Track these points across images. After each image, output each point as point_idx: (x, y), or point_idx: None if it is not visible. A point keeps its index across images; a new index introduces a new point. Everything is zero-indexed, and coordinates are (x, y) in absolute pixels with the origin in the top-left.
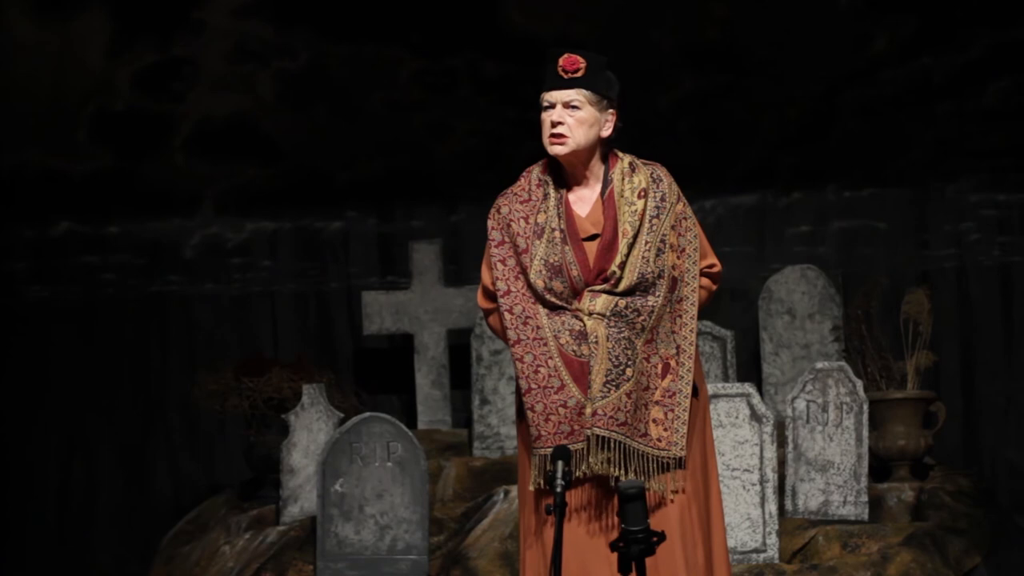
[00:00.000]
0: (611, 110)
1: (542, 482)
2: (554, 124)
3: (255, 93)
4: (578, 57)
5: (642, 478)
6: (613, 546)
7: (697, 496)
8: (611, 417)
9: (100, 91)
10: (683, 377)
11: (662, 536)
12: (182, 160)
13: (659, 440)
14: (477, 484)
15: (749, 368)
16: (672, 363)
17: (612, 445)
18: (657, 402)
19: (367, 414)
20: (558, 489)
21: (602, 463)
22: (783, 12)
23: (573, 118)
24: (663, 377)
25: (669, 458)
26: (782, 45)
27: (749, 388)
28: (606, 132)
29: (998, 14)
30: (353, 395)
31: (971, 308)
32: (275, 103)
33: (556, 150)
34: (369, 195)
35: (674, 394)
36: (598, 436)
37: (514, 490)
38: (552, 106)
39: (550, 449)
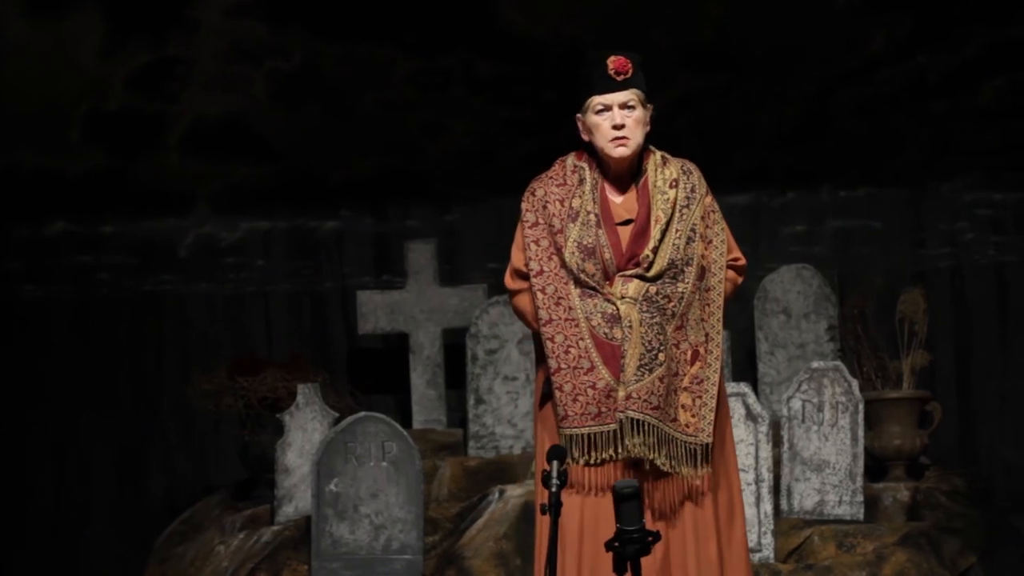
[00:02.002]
0: (650, 105)
1: (576, 456)
2: (617, 127)
3: (249, 93)
4: (627, 59)
5: (673, 463)
6: (608, 546)
7: (713, 489)
8: (645, 400)
9: (93, 91)
10: (711, 365)
11: (657, 536)
12: (176, 160)
13: (687, 426)
14: (472, 484)
15: (745, 367)
16: (701, 350)
17: (647, 428)
18: (685, 388)
19: (362, 414)
20: (553, 489)
21: (637, 446)
22: (779, 12)
23: (631, 119)
24: (692, 364)
25: (696, 444)
26: (778, 45)
27: (744, 387)
28: (648, 128)
29: (993, 13)
30: (348, 395)
31: (966, 308)
32: (269, 103)
33: (621, 152)
34: (363, 194)
35: (702, 381)
36: (633, 419)
37: (509, 489)
38: (607, 108)
39: (577, 430)
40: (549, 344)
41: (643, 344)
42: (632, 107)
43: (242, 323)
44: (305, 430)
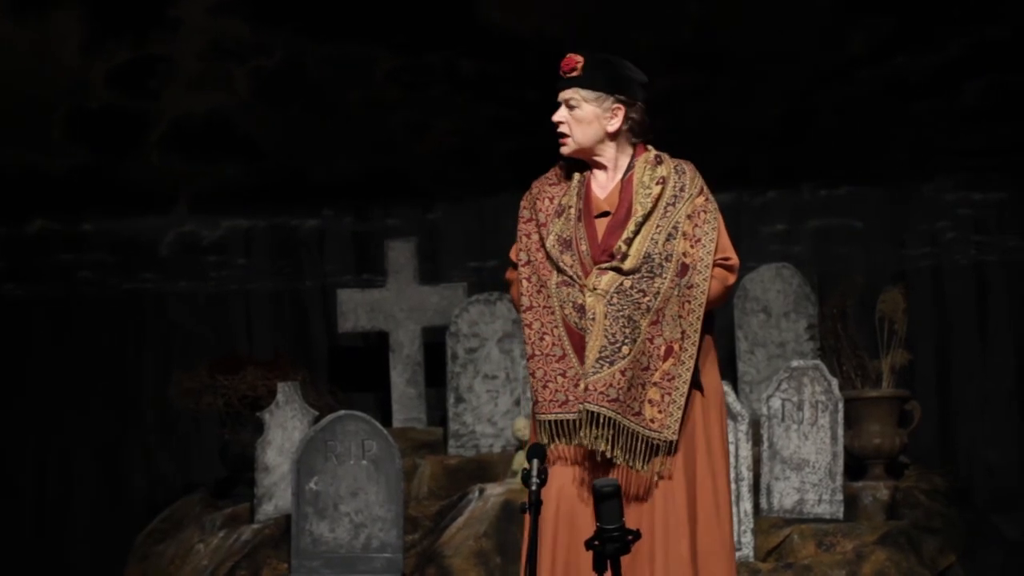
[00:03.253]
0: (617, 105)
1: (546, 441)
2: (557, 124)
3: (231, 91)
4: (575, 56)
5: (629, 456)
6: (588, 544)
7: (689, 487)
8: (602, 393)
9: (75, 89)
10: (684, 363)
11: (637, 534)
12: (157, 158)
13: (652, 421)
14: (452, 482)
15: (724, 366)
16: (676, 347)
17: (603, 421)
18: (655, 383)
19: (342, 412)
20: (533, 487)
21: (593, 439)
22: (761, 12)
23: (572, 117)
24: (665, 360)
25: (660, 440)
26: (760, 44)
27: (724, 386)
28: (612, 127)
29: (975, 14)
30: (328, 393)
31: (946, 307)
32: (251, 101)
33: (562, 151)
34: (345, 193)
35: (673, 378)
36: (589, 411)
37: (489, 488)
38: (559, 106)
39: (545, 416)
40: (527, 330)
41: (605, 337)
42: (574, 106)
43: (223, 321)
44: (285, 428)
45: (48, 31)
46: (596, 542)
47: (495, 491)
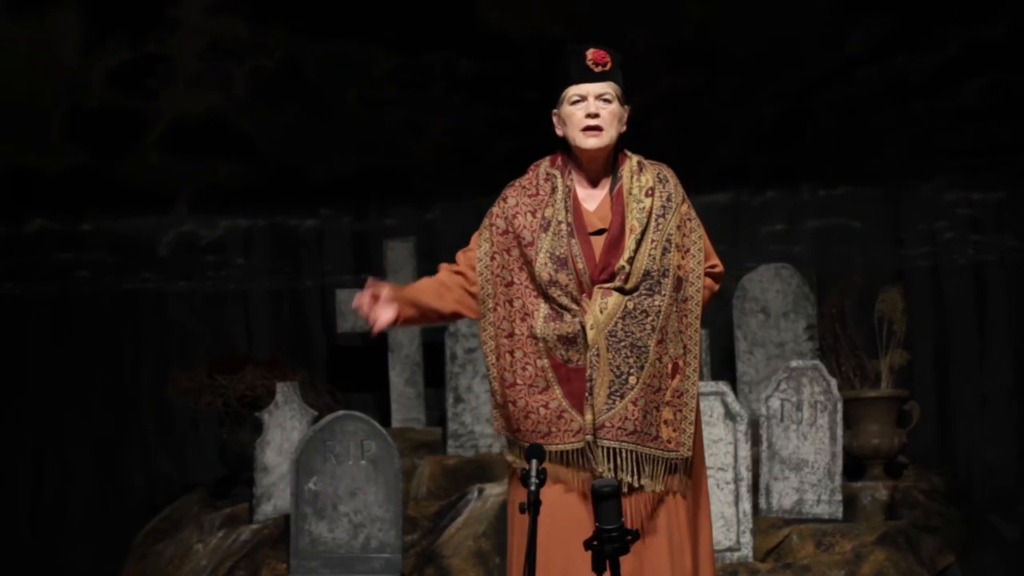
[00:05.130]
0: (627, 106)
1: (526, 466)
2: (591, 115)
3: (229, 90)
4: (606, 52)
5: (655, 481)
6: (587, 545)
7: (686, 497)
8: (620, 428)
9: (74, 88)
10: (690, 377)
11: (636, 535)
12: (156, 157)
13: (669, 441)
14: (451, 482)
15: (723, 366)
16: (680, 363)
17: (624, 455)
18: (667, 403)
19: (341, 412)
20: (532, 487)
21: (612, 471)
22: (759, 11)
23: (606, 110)
24: (672, 377)
25: (678, 459)
26: (758, 44)
27: (723, 387)
28: (624, 129)
29: (975, 14)
30: (327, 393)
31: (945, 307)
32: (250, 101)
33: (592, 142)
34: (344, 193)
35: (682, 394)
36: (608, 448)
37: (488, 488)
38: (583, 99)
39: (527, 444)
40: (508, 357)
41: (611, 371)
42: (608, 100)
43: (222, 321)
44: (284, 428)
45: (47, 31)
46: (595, 542)
47: (494, 491)
